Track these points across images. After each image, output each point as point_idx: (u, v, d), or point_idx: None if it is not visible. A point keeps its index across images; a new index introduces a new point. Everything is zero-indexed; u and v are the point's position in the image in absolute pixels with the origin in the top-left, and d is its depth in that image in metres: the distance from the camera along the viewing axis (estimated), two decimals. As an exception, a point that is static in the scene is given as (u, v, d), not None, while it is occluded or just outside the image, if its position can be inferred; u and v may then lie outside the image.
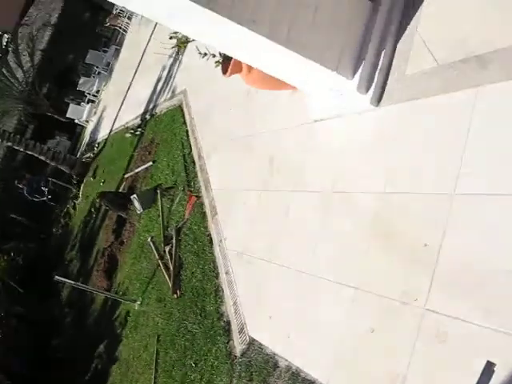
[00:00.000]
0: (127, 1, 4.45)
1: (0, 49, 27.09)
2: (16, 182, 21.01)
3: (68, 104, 25.66)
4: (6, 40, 27.96)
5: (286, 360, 4.74)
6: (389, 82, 4.31)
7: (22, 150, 20.59)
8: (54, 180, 22.68)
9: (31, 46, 25.53)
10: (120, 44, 24.30)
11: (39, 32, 28.98)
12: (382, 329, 3.66)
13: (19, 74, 25.28)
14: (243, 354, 5.55)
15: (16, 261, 18.60)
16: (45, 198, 21.06)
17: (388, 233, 3.88)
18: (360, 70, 4.45)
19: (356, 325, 3.92)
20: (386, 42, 4.34)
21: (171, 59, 13.70)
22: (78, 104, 25.36)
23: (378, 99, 4.34)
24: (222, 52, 6.42)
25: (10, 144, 20.10)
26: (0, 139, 19.81)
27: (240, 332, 5.81)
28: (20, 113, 25.35)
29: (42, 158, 20.13)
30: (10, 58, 25.73)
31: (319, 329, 4.38)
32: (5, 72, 24.75)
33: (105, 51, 25.83)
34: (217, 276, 6.90)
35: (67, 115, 24.85)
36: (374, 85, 4.37)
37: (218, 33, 4.43)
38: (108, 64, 24.41)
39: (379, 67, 4.36)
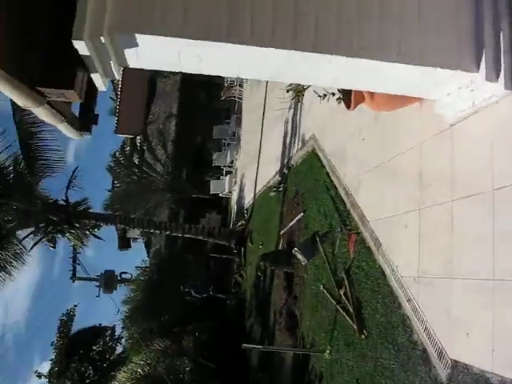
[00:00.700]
0: (238, 71, 4.66)
1: (136, 150, 29.42)
2: (182, 287, 22.06)
3: (208, 181, 26.98)
4: (139, 142, 30.35)
5: (497, 375, 4.47)
6: (517, 60, 4.09)
7: (180, 235, 21.72)
8: (215, 255, 23.72)
9: (162, 139, 27.50)
10: (239, 112, 25.29)
11: (165, 125, 31.19)
12: None
13: (159, 167, 27.20)
14: (450, 379, 5.30)
15: (202, 339, 19.43)
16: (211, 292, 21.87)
17: None
18: (483, 59, 4.24)
19: None
20: (501, 20, 4.14)
21: (291, 110, 14.03)
22: (218, 178, 26.55)
23: (512, 81, 4.12)
24: (340, 89, 6.47)
25: (168, 233, 21.30)
26: (159, 231, 21.05)
27: (439, 357, 5.57)
28: (169, 202, 27.00)
29: (200, 237, 21.10)
30: (147, 155, 27.83)
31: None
32: (146, 169, 26.75)
33: (227, 123, 27.07)
34: (399, 306, 6.72)
35: (211, 192, 26.05)
36: (502, 69, 4.15)
37: (332, 71, 4.48)
38: (234, 133, 25.43)
39: (502, 49, 4.14)
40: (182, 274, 24.96)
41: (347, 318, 8.50)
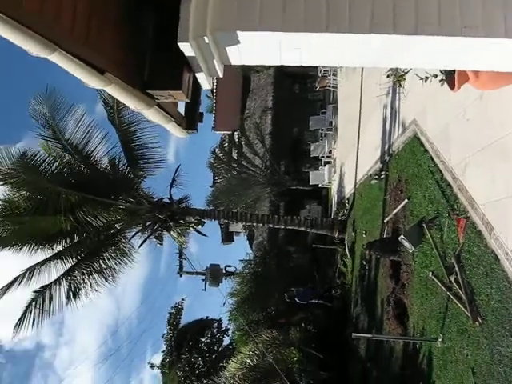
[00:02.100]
0: (339, 60, 4.65)
1: (235, 146, 29.96)
2: (285, 296, 21.96)
3: (307, 172, 26.99)
4: (237, 137, 30.87)
5: None
6: None
7: (282, 227, 21.88)
8: (318, 246, 23.69)
9: (259, 133, 27.75)
10: (335, 101, 25.10)
11: (262, 119, 31.50)
12: None
13: (257, 162, 27.52)
14: None
15: (308, 330, 19.54)
16: (320, 301, 21.05)
17: None
18: None
19: None
20: None
21: (390, 96, 13.76)
22: (317, 169, 26.49)
23: None
24: (442, 70, 6.29)
25: (271, 225, 21.52)
26: (261, 223, 21.31)
27: None
28: (269, 195, 27.26)
29: (303, 228, 21.14)
30: (245, 150, 28.23)
31: None
32: (245, 164, 27.16)
33: (323, 113, 26.91)
34: (516, 291, 6.48)
35: (310, 183, 26.03)
36: None
37: (435, 52, 4.38)
38: (331, 123, 25.24)
39: None
40: (285, 266, 25.21)
41: (459, 305, 8.29)
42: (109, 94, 4.43)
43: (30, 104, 15.80)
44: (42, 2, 3.21)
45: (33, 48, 3.21)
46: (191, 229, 19.95)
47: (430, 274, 9.63)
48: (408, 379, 11.11)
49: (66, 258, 16.59)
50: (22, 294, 16.42)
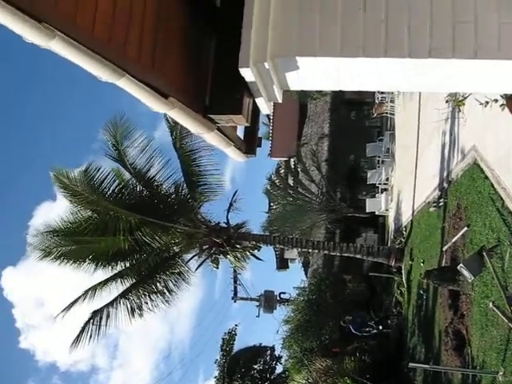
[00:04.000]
0: (398, 85, 4.69)
1: (291, 172, 30.08)
2: (341, 322, 21.68)
3: (364, 200, 26.74)
4: (293, 163, 30.99)
5: None
6: None
7: (338, 254, 21.71)
8: (374, 274, 23.36)
9: (316, 160, 27.77)
10: (392, 128, 24.90)
11: (318, 145, 31.55)
12: None
13: (313, 188, 27.51)
14: None
15: (363, 360, 19.15)
16: (375, 331, 20.36)
17: None
18: None
19: None
20: None
21: (449, 121, 13.59)
22: (373, 197, 26.22)
23: None
24: (503, 94, 6.22)
25: (326, 252, 21.38)
26: (317, 250, 21.20)
27: None
28: (325, 222, 27.13)
29: (359, 256, 20.90)
30: (301, 176, 28.28)
31: None
32: (301, 190, 27.19)
33: (380, 140, 26.71)
34: None
35: (367, 210, 25.76)
36: None
37: (495, 76, 4.35)
38: (388, 150, 25.01)
39: None
40: (340, 294, 24.91)
41: (522, 336, 8.02)
42: (174, 121, 4.60)
43: (99, 129, 16.77)
44: (110, 30, 3.40)
45: (102, 73, 3.39)
46: (248, 253, 20.07)
47: (491, 304, 9.35)
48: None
49: (124, 278, 17.02)
50: (79, 315, 16.94)
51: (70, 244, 16.52)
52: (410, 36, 4.01)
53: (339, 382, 17.92)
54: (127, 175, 17.50)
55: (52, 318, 16.95)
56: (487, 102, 7.36)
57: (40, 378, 78.56)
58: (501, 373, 8.99)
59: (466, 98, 9.46)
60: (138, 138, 16.86)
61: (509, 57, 4.03)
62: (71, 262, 16.56)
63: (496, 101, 6.94)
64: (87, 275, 16.85)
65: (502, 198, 9.23)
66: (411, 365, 11.37)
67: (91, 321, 16.42)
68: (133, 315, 16.87)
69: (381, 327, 20.31)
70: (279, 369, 31.84)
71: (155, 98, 3.85)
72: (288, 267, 37.87)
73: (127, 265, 17.41)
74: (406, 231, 20.20)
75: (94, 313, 16.53)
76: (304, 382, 20.13)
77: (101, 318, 16.47)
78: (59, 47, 3.03)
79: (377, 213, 25.68)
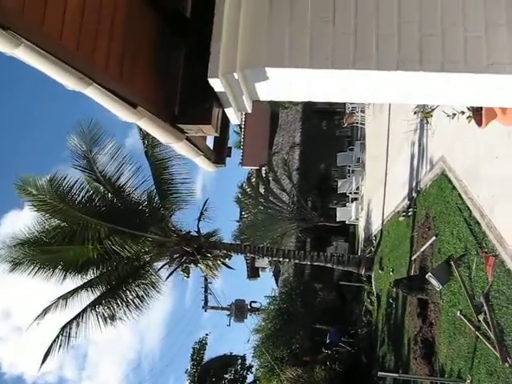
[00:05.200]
0: (375, 96, 4.72)
1: (262, 181, 30.14)
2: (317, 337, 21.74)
3: (334, 209, 26.91)
4: (264, 172, 31.08)
5: None
6: None
7: (308, 263, 21.78)
8: (344, 283, 23.51)
9: (287, 168, 27.87)
10: (363, 138, 25.16)
11: (289, 154, 31.72)
12: None
13: (284, 197, 27.59)
14: None
15: (333, 368, 19.21)
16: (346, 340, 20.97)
17: None
18: None
19: None
20: None
21: (417, 132, 13.77)
22: (344, 206, 26.40)
23: None
24: (469, 106, 6.33)
25: (297, 261, 21.43)
26: (287, 259, 21.25)
27: None
28: (296, 231, 27.21)
29: (329, 265, 20.99)
30: (273, 185, 28.35)
31: None
32: (272, 199, 27.24)
33: (351, 149, 26.96)
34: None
35: (337, 219, 25.92)
36: None
37: (462, 89, 4.42)
38: (358, 160, 25.24)
39: None
40: (311, 303, 24.99)
41: (488, 345, 8.13)
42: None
43: (68, 136, 16.37)
44: (78, 39, 3.36)
45: (69, 82, 3.34)
46: (218, 262, 19.99)
47: (458, 312, 9.47)
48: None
49: (94, 288, 16.78)
50: (47, 326, 16.62)
51: (39, 254, 16.20)
52: (377, 48, 4.05)
53: (310, 391, 17.94)
54: (97, 183, 17.26)
55: (18, 330, 16.63)
56: (454, 114, 7.47)
57: (6, 391, 76.79)
58: (468, 381, 9.08)
59: (433, 109, 9.60)
60: (107, 144, 16.57)
61: (474, 70, 4.09)
62: (41, 271, 16.24)
63: (463, 113, 7.05)
64: (56, 285, 16.55)
65: (469, 208, 9.36)
66: (380, 374, 11.41)
67: (60, 334, 16.12)
68: (103, 324, 16.63)
69: (350, 335, 20.52)
70: (250, 378, 31.80)
71: (123, 108, 3.81)
72: (259, 276, 37.88)
73: (97, 274, 17.16)
74: (375, 240, 20.38)
75: (62, 328, 16.24)
76: (275, 391, 20.07)
77: (70, 329, 16.20)
78: (25, 55, 2.99)
79: (347, 222, 25.85)
